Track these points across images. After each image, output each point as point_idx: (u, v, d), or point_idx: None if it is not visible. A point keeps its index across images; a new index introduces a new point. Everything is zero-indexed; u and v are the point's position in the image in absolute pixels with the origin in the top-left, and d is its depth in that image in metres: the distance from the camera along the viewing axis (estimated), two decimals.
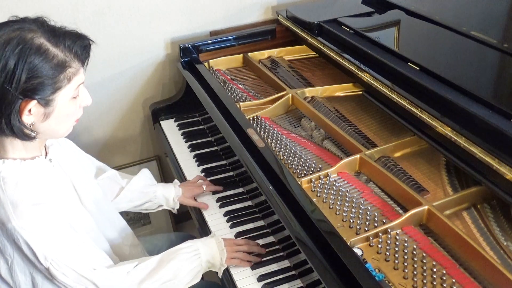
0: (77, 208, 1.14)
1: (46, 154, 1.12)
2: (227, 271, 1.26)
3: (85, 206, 1.17)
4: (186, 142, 1.79)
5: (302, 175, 1.34)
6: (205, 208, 1.48)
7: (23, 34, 0.92)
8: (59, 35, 0.97)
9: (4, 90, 0.91)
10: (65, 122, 1.04)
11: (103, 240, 1.21)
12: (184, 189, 1.50)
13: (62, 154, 1.17)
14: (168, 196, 1.48)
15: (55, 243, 1.00)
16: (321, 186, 1.29)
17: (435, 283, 1.02)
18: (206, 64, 1.89)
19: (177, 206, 1.51)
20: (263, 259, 1.27)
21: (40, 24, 0.97)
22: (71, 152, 1.27)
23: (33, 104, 0.95)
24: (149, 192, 1.47)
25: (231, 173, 1.62)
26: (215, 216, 1.45)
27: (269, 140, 1.49)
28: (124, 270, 1.12)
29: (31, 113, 0.96)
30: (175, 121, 1.91)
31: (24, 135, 0.99)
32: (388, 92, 1.37)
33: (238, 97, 1.72)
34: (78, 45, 0.99)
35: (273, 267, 1.26)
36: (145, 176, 1.50)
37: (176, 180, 1.55)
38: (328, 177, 1.31)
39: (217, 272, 1.26)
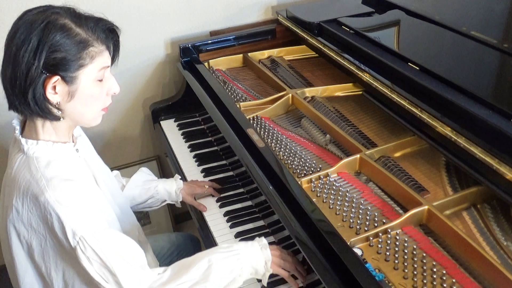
0: (101, 197, 1.14)
1: (74, 144, 1.14)
2: None
3: (105, 197, 1.18)
4: (186, 142, 1.79)
5: (302, 175, 1.34)
6: (203, 210, 1.47)
7: (48, 15, 0.97)
8: (83, 18, 1.01)
9: (29, 66, 0.95)
10: (90, 104, 1.05)
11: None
12: (186, 185, 1.50)
13: (86, 148, 1.21)
14: (169, 190, 1.48)
15: (85, 219, 1.00)
16: (321, 186, 1.29)
17: (435, 283, 1.02)
18: (206, 64, 1.89)
19: (180, 199, 1.49)
20: None
21: (65, 9, 1.01)
22: (91, 149, 1.29)
23: (56, 80, 0.97)
24: (150, 187, 1.47)
25: (231, 173, 1.62)
26: (215, 216, 1.45)
27: (269, 140, 1.49)
28: (153, 273, 1.06)
29: (56, 91, 0.98)
30: (175, 121, 1.91)
31: (50, 114, 1.01)
32: (388, 92, 1.37)
33: (238, 97, 1.72)
34: (100, 27, 1.01)
35: None
36: (143, 173, 1.51)
37: (177, 175, 1.54)
38: (328, 177, 1.31)
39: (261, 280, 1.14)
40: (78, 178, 1.04)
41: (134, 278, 1.02)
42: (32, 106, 0.98)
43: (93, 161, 1.21)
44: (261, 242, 1.14)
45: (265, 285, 1.14)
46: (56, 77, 0.97)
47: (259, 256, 1.11)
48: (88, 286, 1.05)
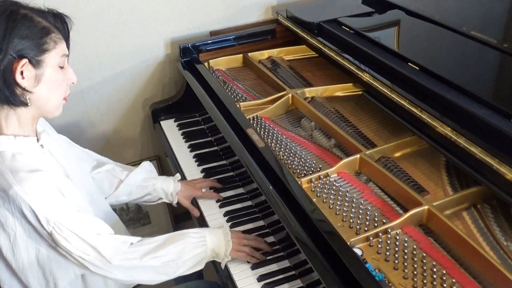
0: (72, 188, 1.16)
1: (38, 139, 1.16)
2: (227, 271, 1.26)
3: (79, 193, 1.20)
4: (186, 142, 1.79)
5: (302, 175, 1.34)
6: (195, 215, 1.48)
7: (7, 7, 1.02)
8: (40, 10, 1.08)
9: None
10: (54, 90, 1.09)
11: None
12: (184, 187, 1.50)
13: (55, 145, 1.22)
14: (166, 190, 1.49)
15: (56, 205, 1.05)
16: (321, 186, 1.29)
17: (435, 283, 1.02)
18: (206, 64, 1.89)
19: (176, 201, 1.51)
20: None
21: (21, 4, 1.07)
22: (65, 145, 1.30)
23: (24, 64, 1.01)
24: (148, 185, 1.48)
25: (231, 173, 1.61)
26: (215, 216, 1.45)
27: (269, 140, 1.49)
28: (127, 240, 1.15)
29: (23, 76, 1.02)
30: (175, 121, 1.91)
31: (19, 99, 1.04)
32: (388, 92, 1.37)
33: (238, 97, 1.72)
34: (57, 19, 1.10)
35: (273, 267, 1.26)
36: (144, 169, 1.51)
37: (177, 175, 1.54)
38: (328, 177, 1.31)
39: (218, 270, 1.25)
40: (44, 168, 1.07)
41: (110, 246, 1.11)
42: (2, 91, 1.02)
43: (64, 158, 1.22)
44: (225, 232, 1.26)
45: (223, 267, 1.26)
46: (24, 60, 1.01)
47: (221, 245, 1.24)
48: (65, 266, 1.12)
